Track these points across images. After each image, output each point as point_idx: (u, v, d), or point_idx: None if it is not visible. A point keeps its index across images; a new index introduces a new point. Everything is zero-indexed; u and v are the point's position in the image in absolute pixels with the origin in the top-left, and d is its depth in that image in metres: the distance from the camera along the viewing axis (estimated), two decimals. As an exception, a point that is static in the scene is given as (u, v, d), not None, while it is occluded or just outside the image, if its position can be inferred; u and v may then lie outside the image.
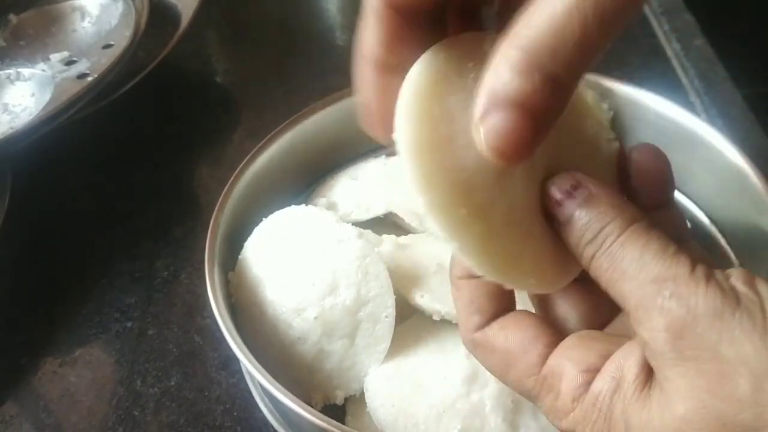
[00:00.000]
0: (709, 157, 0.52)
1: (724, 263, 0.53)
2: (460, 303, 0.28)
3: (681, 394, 0.22)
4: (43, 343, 0.57)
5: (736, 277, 0.23)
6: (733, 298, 0.22)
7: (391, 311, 0.44)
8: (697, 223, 0.55)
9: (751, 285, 0.22)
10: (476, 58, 0.26)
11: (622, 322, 0.28)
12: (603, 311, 0.29)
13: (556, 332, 0.27)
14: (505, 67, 0.22)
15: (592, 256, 0.25)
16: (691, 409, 0.22)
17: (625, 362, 0.24)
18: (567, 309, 0.29)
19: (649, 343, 0.23)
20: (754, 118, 0.68)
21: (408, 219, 0.52)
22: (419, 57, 0.27)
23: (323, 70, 0.83)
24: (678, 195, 0.57)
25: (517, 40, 0.22)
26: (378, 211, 0.54)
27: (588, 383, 0.25)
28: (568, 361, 0.25)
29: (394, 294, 0.45)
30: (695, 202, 0.56)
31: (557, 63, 0.22)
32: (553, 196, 0.26)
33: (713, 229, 0.54)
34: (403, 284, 0.46)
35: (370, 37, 0.27)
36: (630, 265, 0.23)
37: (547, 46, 0.21)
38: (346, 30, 0.93)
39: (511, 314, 0.28)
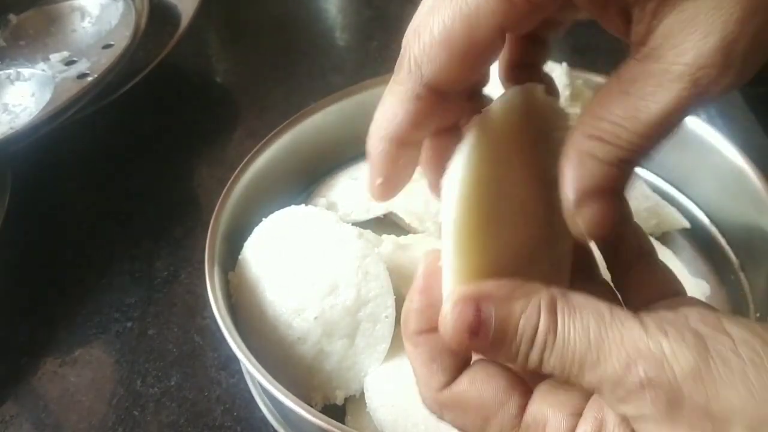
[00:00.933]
0: (709, 157, 0.53)
1: (725, 263, 0.53)
2: (419, 361, 0.26)
3: None
4: (43, 343, 0.57)
5: (696, 320, 0.22)
6: (700, 346, 0.21)
7: (391, 311, 0.44)
8: (697, 223, 0.55)
9: (717, 327, 0.22)
10: (516, 139, 0.26)
11: None
12: None
13: (524, 381, 0.26)
14: (592, 158, 0.24)
15: (540, 361, 0.23)
16: None
17: (604, 404, 0.24)
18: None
19: (635, 416, 0.22)
20: (754, 118, 0.68)
21: (408, 219, 0.52)
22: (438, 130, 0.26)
23: (323, 70, 0.83)
24: (678, 195, 0.57)
25: (604, 131, 0.23)
26: (378, 211, 0.54)
27: (574, 428, 0.24)
28: (549, 407, 0.24)
29: (394, 294, 0.45)
30: (695, 202, 0.56)
31: (636, 153, 0.24)
32: (461, 334, 0.23)
33: (713, 229, 0.54)
34: (403, 284, 0.46)
35: (398, 117, 0.26)
36: (584, 355, 0.22)
37: (638, 139, 0.23)
38: (346, 30, 0.93)
39: (476, 366, 0.26)
